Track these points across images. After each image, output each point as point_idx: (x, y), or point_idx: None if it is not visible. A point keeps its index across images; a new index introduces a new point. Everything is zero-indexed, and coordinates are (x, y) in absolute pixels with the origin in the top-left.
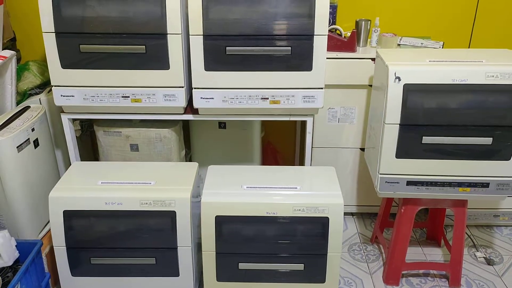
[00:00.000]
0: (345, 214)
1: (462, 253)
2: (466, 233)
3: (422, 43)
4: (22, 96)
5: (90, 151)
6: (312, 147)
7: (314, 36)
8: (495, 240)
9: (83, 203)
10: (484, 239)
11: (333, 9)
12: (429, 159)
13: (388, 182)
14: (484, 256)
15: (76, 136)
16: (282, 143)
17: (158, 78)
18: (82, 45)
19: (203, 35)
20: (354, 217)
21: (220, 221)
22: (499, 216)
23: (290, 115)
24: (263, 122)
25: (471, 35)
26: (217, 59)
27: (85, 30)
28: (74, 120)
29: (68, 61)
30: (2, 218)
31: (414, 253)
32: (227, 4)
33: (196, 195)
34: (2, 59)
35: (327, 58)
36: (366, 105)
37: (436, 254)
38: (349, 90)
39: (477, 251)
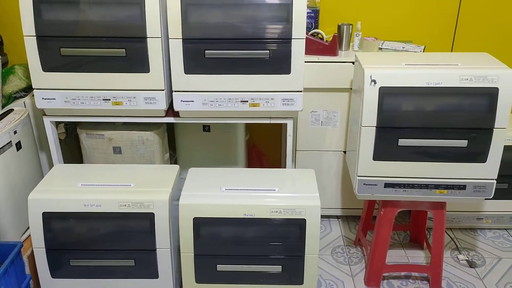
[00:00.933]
0: (330, 217)
1: (442, 255)
2: (449, 235)
3: (403, 47)
4: (7, 99)
5: (76, 154)
6: (296, 150)
7: (292, 40)
8: (478, 243)
9: (62, 205)
10: (468, 242)
11: (315, 13)
12: (406, 161)
13: (366, 184)
14: (467, 258)
15: (61, 139)
16: (268, 146)
17: (139, 81)
18: (63, 49)
19: (182, 38)
20: (339, 220)
21: (198, 223)
22: (482, 219)
23: (270, 117)
24: (248, 125)
25: (454, 39)
26: (196, 62)
27: (66, 33)
28: (58, 123)
29: (49, 65)
30: None
31: (397, 256)
32: (206, 8)
33: (177, 198)
34: None
35: (309, 61)
36: (348, 108)
37: (418, 257)
38: (331, 93)
39: (460, 253)
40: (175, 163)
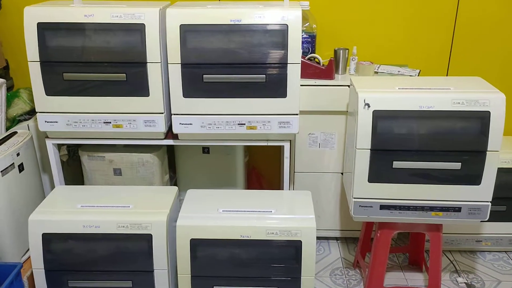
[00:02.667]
0: (329, 238)
1: (440, 277)
2: (448, 258)
3: (399, 71)
4: (12, 122)
5: (78, 175)
6: (294, 172)
7: (288, 64)
8: (478, 266)
9: (62, 226)
10: (467, 264)
11: (312, 38)
12: (401, 183)
13: (362, 206)
14: (466, 281)
15: (63, 161)
16: (267, 168)
17: (139, 105)
18: (66, 74)
19: (181, 63)
20: (338, 241)
21: (195, 244)
22: (481, 241)
23: (267, 140)
24: (247, 147)
25: (449, 63)
26: (195, 86)
27: (69, 59)
28: (61, 145)
29: (52, 89)
30: None
31: (396, 278)
32: (203, 34)
33: (175, 219)
34: None
35: (306, 85)
36: (345, 131)
37: (417, 279)
38: (328, 116)
39: (459, 276)
40: (175, 184)
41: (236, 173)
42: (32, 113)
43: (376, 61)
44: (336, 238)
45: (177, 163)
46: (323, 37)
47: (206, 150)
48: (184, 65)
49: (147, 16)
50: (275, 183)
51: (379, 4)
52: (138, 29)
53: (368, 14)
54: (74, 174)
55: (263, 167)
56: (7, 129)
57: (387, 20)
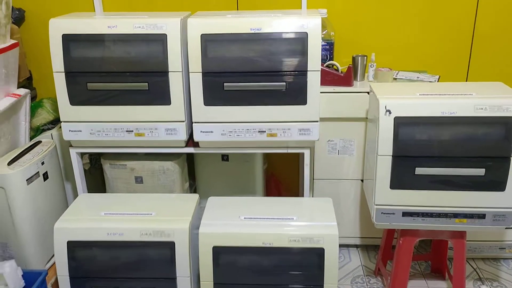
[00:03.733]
0: (349, 246)
1: (463, 286)
2: (472, 266)
3: (418, 77)
4: (36, 131)
5: (99, 183)
6: (313, 179)
7: (308, 72)
8: (502, 273)
9: (86, 233)
10: (490, 272)
11: (330, 45)
12: (424, 190)
13: (384, 213)
14: None
15: (85, 169)
16: (285, 174)
17: (160, 113)
18: (90, 83)
19: (202, 72)
20: (358, 249)
21: (218, 251)
22: (505, 248)
23: (287, 147)
24: (266, 154)
25: (468, 68)
26: (215, 94)
27: (92, 69)
28: (83, 154)
29: (76, 98)
30: (11, 248)
31: (419, 286)
32: (224, 43)
33: (197, 226)
34: (16, 97)
35: (325, 92)
36: (364, 137)
37: (440, 287)
38: (347, 123)
39: (483, 284)
40: (195, 192)
41: (255, 180)
42: (55, 122)
43: (394, 67)
44: (356, 246)
45: (196, 170)
46: (341, 44)
47: (225, 157)
48: (205, 74)
49: (169, 26)
50: (293, 190)
51: (396, 10)
52: (160, 39)
53: (385, 21)
54: (95, 182)
55: (281, 174)
56: (31, 139)
57: (405, 25)
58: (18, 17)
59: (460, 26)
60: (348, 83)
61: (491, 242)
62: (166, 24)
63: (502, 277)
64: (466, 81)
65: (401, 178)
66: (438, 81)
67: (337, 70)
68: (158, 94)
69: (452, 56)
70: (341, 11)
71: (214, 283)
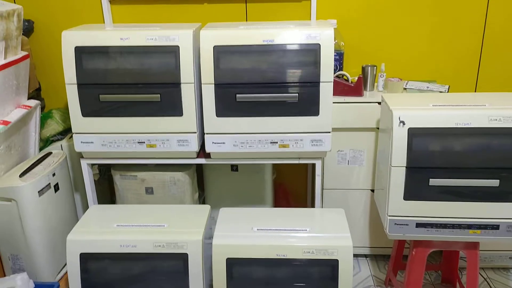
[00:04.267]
0: (358, 256)
1: None
2: (482, 275)
3: (428, 87)
4: (45, 142)
5: (107, 194)
6: (322, 189)
7: (320, 83)
8: None
9: (99, 246)
10: (501, 282)
11: (340, 56)
12: (438, 201)
13: (398, 224)
14: None
15: (94, 180)
16: (293, 184)
17: (172, 124)
18: (102, 95)
19: (214, 83)
20: (367, 259)
21: (231, 263)
22: None
23: (299, 158)
24: (275, 164)
25: (477, 79)
26: (228, 106)
27: (105, 81)
28: (92, 164)
29: (88, 110)
30: (21, 260)
31: None
32: (237, 55)
33: (208, 237)
34: (27, 108)
35: (335, 102)
36: (374, 147)
37: None
38: (357, 133)
39: None
40: (203, 202)
41: (265, 191)
42: (64, 133)
43: (403, 77)
44: (365, 255)
45: (205, 181)
46: (350, 54)
47: (234, 168)
48: (218, 85)
49: (181, 38)
50: (301, 200)
51: (405, 20)
52: (172, 51)
53: (394, 30)
54: (104, 193)
55: (288, 184)
56: (40, 149)
57: (414, 35)
58: (27, 28)
59: (469, 36)
60: (358, 93)
61: (501, 252)
62: (178, 36)
63: None
64: (475, 91)
65: (415, 189)
66: (448, 91)
67: (347, 80)
68: (170, 106)
69: (461, 66)
70: (350, 21)
71: None
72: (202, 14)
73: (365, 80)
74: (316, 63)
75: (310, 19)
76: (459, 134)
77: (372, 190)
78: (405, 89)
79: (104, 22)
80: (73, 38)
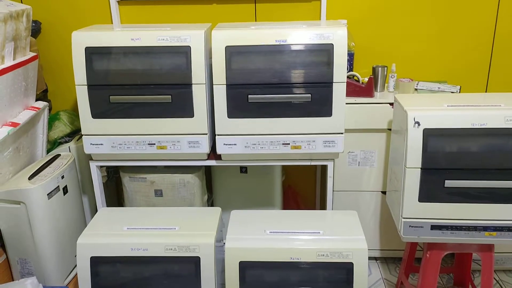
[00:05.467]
0: (369, 258)
1: None
2: (495, 278)
3: (439, 88)
4: (53, 144)
5: (114, 196)
6: (333, 191)
7: (333, 83)
8: None
9: (110, 249)
10: None
11: (350, 56)
12: (453, 203)
13: (412, 227)
14: None
15: (102, 182)
16: (302, 186)
17: (183, 126)
18: (112, 96)
19: (226, 84)
20: (377, 261)
21: (244, 266)
22: None
23: (311, 159)
24: (284, 166)
25: (488, 79)
26: (239, 106)
27: (115, 82)
28: (101, 167)
29: (98, 111)
30: (30, 264)
31: None
32: (249, 55)
33: (219, 240)
34: (35, 110)
35: (346, 103)
36: (385, 149)
37: None
38: (368, 134)
39: None
40: (212, 204)
41: (274, 193)
42: (72, 135)
43: (413, 78)
44: (375, 258)
45: (214, 183)
46: (360, 54)
47: (244, 169)
48: (230, 86)
49: (193, 39)
50: (310, 202)
51: (415, 20)
52: (184, 51)
53: (404, 31)
54: (111, 195)
55: (297, 185)
56: (47, 151)
57: (424, 36)
58: (34, 29)
59: (479, 36)
60: (369, 94)
61: None
62: (190, 36)
63: None
64: (486, 91)
65: (430, 191)
66: (459, 92)
67: (357, 81)
68: (182, 107)
69: (471, 66)
70: (360, 21)
71: None
72: (211, 14)
73: (376, 80)
74: (329, 63)
75: (320, 19)
76: (475, 134)
77: (383, 192)
78: (416, 89)
79: (112, 23)
80: (83, 38)
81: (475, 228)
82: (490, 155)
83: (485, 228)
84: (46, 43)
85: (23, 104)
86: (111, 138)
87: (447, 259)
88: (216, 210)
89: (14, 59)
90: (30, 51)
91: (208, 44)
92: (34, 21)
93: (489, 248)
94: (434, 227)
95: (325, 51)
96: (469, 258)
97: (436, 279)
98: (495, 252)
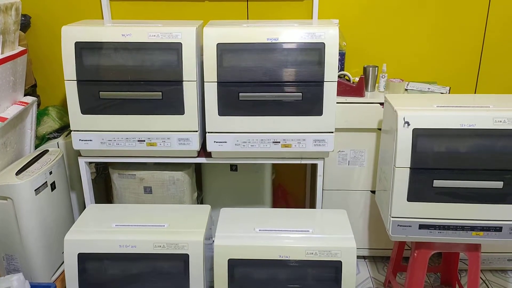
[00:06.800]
0: (357, 257)
1: None
2: (481, 278)
3: (429, 88)
4: (41, 140)
5: (103, 193)
6: (323, 189)
7: (324, 82)
8: (511, 285)
9: (98, 246)
10: (500, 284)
11: (342, 56)
12: (441, 203)
13: (400, 226)
14: None
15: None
16: (292, 185)
17: (173, 123)
18: (102, 92)
19: (217, 82)
20: (366, 260)
21: (233, 264)
22: None
23: (301, 158)
24: (274, 164)
25: (477, 80)
26: (230, 104)
27: (105, 78)
28: (90, 163)
29: (88, 107)
30: (16, 261)
31: None
32: (240, 53)
33: (209, 238)
34: (23, 105)
35: (336, 102)
36: (375, 148)
37: None
38: (358, 133)
39: None
40: (201, 202)
41: (264, 191)
42: (60, 131)
43: (404, 78)
44: (364, 257)
45: (204, 181)
46: (351, 54)
47: (234, 167)
48: (221, 83)
49: (184, 35)
50: (300, 200)
51: (406, 21)
52: (175, 48)
53: (395, 31)
54: (99, 192)
55: (288, 184)
56: (36, 147)
57: (415, 36)
58: (24, 23)
59: (470, 39)
60: (360, 94)
61: (499, 254)
62: (181, 33)
63: None
64: (475, 92)
65: (419, 191)
66: (449, 93)
67: (348, 80)
68: (172, 104)
69: (461, 67)
70: (352, 21)
71: None
72: (203, 11)
73: (366, 80)
74: (321, 63)
75: (311, 19)
76: (464, 135)
77: (372, 191)
78: (406, 90)
79: (102, 18)
80: (73, 33)
81: (462, 228)
82: (479, 155)
83: (472, 228)
84: (35, 38)
85: (11, 99)
86: (101, 134)
87: (435, 259)
88: (206, 208)
89: (2, 53)
90: (19, 45)
91: (199, 41)
92: (24, 15)
93: (476, 247)
94: (422, 226)
95: (317, 50)
96: (456, 257)
97: (423, 278)
98: (482, 252)
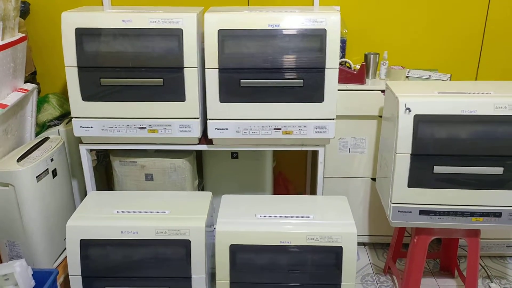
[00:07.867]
0: (357, 244)
1: (476, 284)
2: (480, 263)
3: (430, 75)
4: (41, 127)
5: (104, 180)
6: (323, 177)
7: (326, 69)
8: (509, 271)
9: (100, 232)
10: (498, 270)
11: (343, 43)
12: (442, 189)
13: (401, 212)
14: (499, 287)
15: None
16: (293, 172)
17: (174, 110)
18: (103, 79)
19: (218, 68)
20: (366, 247)
21: (235, 250)
22: None
23: (302, 145)
24: (275, 152)
25: (478, 67)
26: (231, 91)
27: (106, 64)
28: (91, 150)
29: (89, 94)
30: (18, 247)
31: (428, 285)
32: (242, 39)
33: (210, 224)
34: (24, 92)
35: (338, 89)
36: (376, 135)
37: (450, 286)
38: (359, 120)
39: (492, 282)
40: (202, 189)
41: (265, 178)
42: (60, 118)
43: (405, 65)
44: (364, 244)
45: (204, 168)
46: (352, 41)
47: (235, 155)
48: (222, 70)
49: (185, 21)
50: (300, 188)
51: (407, 8)
52: (176, 34)
53: (396, 19)
54: (100, 179)
55: (288, 171)
56: (36, 134)
57: (416, 24)
58: (23, 10)
59: (471, 26)
60: (361, 81)
61: (498, 240)
62: (182, 19)
63: (510, 274)
64: (476, 79)
65: (419, 177)
66: (450, 80)
67: (349, 67)
68: (173, 90)
69: (462, 54)
70: (353, 8)
71: (230, 282)
72: None
73: (367, 67)
74: (322, 49)
75: (313, 5)
76: (465, 121)
77: (373, 179)
78: (407, 77)
79: (102, 4)
80: (73, 19)
81: (462, 214)
82: (479, 141)
83: (472, 214)
84: (35, 24)
85: (12, 86)
86: (101, 121)
87: (434, 245)
88: (207, 195)
89: (2, 39)
90: (18, 32)
91: (200, 27)
92: (23, 2)
93: (475, 233)
94: (422, 212)
95: (318, 37)
96: (455, 243)
97: (423, 264)
98: (481, 238)
